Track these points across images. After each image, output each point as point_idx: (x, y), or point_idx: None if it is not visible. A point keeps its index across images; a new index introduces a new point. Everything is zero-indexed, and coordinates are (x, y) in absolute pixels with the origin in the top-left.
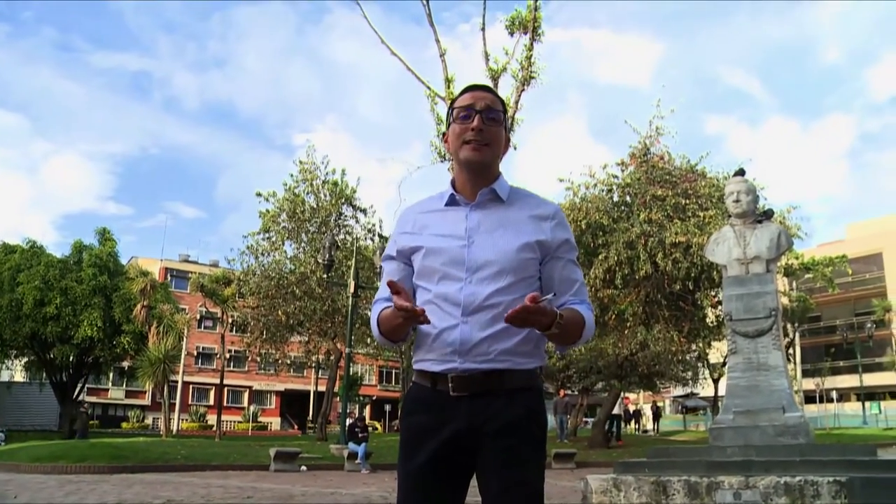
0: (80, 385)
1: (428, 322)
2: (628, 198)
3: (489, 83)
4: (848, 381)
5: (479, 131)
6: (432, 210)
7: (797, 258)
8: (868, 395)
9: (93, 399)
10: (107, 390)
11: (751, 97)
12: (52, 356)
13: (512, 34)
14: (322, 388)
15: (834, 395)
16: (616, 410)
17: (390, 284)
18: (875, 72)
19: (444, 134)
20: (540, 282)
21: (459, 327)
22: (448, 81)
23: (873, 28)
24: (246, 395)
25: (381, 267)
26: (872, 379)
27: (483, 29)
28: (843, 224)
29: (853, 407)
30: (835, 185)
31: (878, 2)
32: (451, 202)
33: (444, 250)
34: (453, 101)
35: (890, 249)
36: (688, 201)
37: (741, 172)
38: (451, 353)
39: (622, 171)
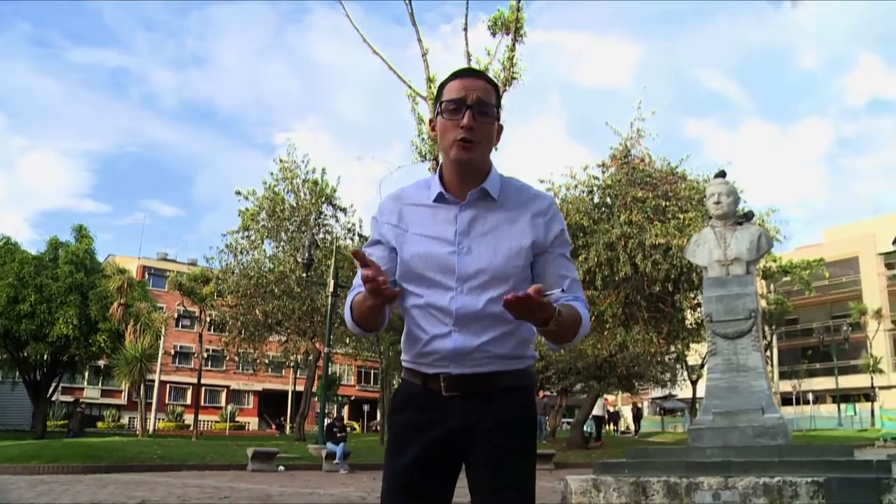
0: (54, 384)
1: (397, 295)
2: (609, 199)
3: None
4: (824, 383)
5: (470, 129)
6: (420, 204)
7: (775, 261)
8: (843, 397)
9: (67, 398)
10: (82, 389)
11: (729, 101)
12: (25, 354)
13: (494, 35)
14: (300, 387)
15: (810, 397)
16: (598, 412)
17: (354, 254)
18: (851, 77)
19: (431, 120)
20: (532, 280)
21: (452, 336)
22: (430, 81)
23: (849, 34)
24: (223, 395)
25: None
26: (848, 381)
27: (465, 29)
28: (819, 228)
29: (829, 409)
30: (812, 189)
31: (855, 9)
32: (440, 199)
33: (431, 256)
34: (442, 85)
35: (866, 253)
36: (668, 203)
37: (722, 174)
38: (443, 360)
39: (603, 172)
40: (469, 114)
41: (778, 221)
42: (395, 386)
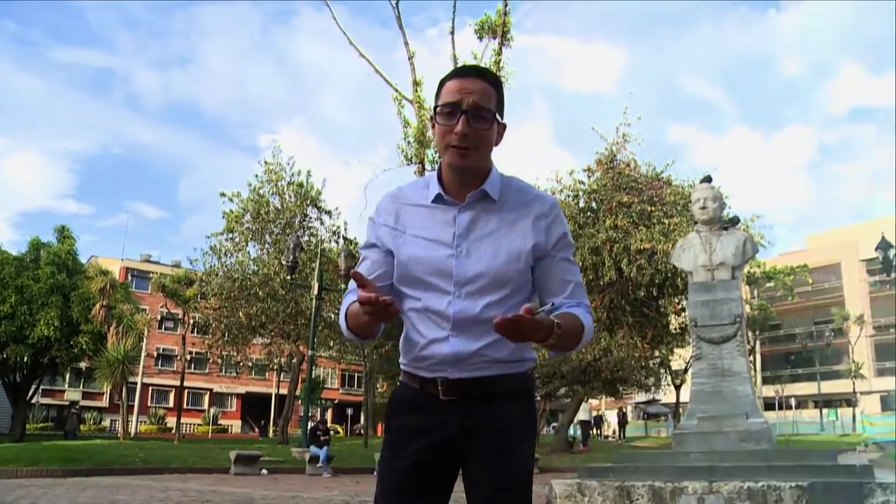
0: (34, 386)
1: (398, 312)
2: (594, 204)
3: None
4: (806, 388)
5: (465, 136)
6: (418, 204)
7: (759, 266)
8: (826, 402)
9: (48, 401)
10: (63, 391)
11: (714, 106)
12: (5, 356)
13: (481, 38)
14: (284, 391)
15: (793, 402)
16: (584, 417)
17: (354, 275)
18: (833, 85)
19: (431, 118)
20: (533, 284)
21: (450, 340)
22: (416, 84)
23: (832, 43)
24: (206, 398)
25: (360, 259)
26: (830, 387)
27: (452, 33)
28: (802, 234)
29: (811, 414)
30: (795, 196)
31: (837, 17)
32: (438, 199)
33: (429, 259)
34: (441, 83)
35: (848, 260)
36: (653, 208)
37: (708, 179)
38: (441, 364)
39: (589, 177)
40: (463, 119)
41: (762, 227)
42: (379, 389)
